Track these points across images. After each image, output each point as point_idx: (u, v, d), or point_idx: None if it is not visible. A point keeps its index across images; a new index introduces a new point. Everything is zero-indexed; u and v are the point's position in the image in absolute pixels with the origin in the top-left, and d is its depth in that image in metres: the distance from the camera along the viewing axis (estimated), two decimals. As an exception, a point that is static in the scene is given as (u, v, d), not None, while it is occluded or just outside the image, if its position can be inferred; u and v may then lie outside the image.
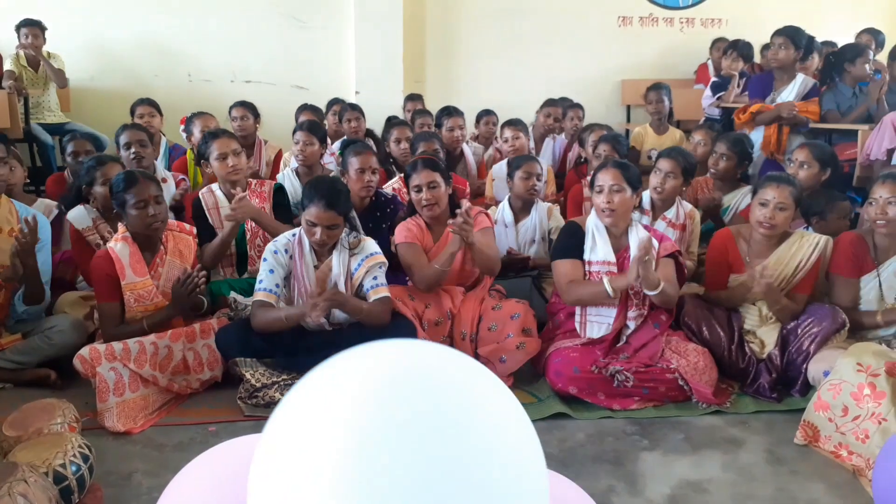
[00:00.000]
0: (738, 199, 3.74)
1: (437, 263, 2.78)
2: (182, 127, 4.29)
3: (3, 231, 2.77)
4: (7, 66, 5.26)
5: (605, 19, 6.92)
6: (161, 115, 4.71)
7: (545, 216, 3.48)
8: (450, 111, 4.59)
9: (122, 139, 3.66)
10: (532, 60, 6.69)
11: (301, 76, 6.33)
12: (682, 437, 2.44)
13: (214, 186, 3.29)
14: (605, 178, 2.73)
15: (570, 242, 2.82)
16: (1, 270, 2.71)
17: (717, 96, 5.14)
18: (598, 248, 2.78)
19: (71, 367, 2.61)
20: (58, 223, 3.34)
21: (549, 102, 5.35)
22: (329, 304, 2.49)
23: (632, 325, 2.76)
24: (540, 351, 2.75)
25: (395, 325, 2.65)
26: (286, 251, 2.69)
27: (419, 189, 2.88)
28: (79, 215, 3.14)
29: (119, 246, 2.67)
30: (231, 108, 4.61)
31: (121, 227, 2.73)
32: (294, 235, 2.73)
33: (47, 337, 2.73)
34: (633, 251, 2.66)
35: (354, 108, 4.85)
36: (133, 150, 3.59)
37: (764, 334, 2.79)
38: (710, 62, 6.46)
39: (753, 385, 2.71)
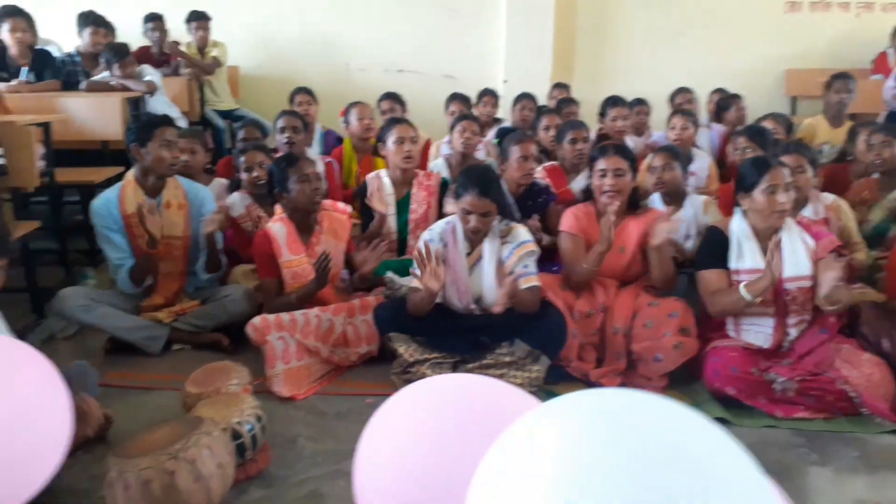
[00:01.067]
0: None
1: (585, 263, 2.73)
2: (342, 119, 4.50)
3: (171, 206, 3.00)
4: (182, 54, 5.74)
5: (770, 4, 6.47)
6: (317, 102, 4.95)
7: (700, 210, 3.31)
8: (615, 101, 4.47)
9: (279, 123, 3.89)
10: (688, 48, 6.41)
11: (451, 66, 6.44)
12: (856, 454, 2.24)
13: (382, 172, 3.44)
14: (778, 177, 2.54)
15: (714, 250, 2.65)
16: (172, 241, 2.96)
17: (902, 87, 4.67)
18: (745, 256, 2.59)
19: (240, 333, 2.83)
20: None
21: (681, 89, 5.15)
22: (507, 298, 2.55)
23: (794, 332, 2.58)
24: (698, 353, 2.63)
25: (544, 315, 2.65)
26: (441, 239, 2.75)
27: (604, 174, 2.80)
28: (234, 202, 3.37)
29: (276, 227, 2.86)
30: (380, 99, 4.78)
31: (278, 208, 2.92)
32: (448, 223, 2.79)
33: (222, 305, 2.97)
34: (786, 253, 2.49)
35: (530, 97, 4.87)
36: (287, 134, 3.81)
37: (957, 350, 2.51)
38: (891, 51, 5.88)
39: (942, 406, 2.45)
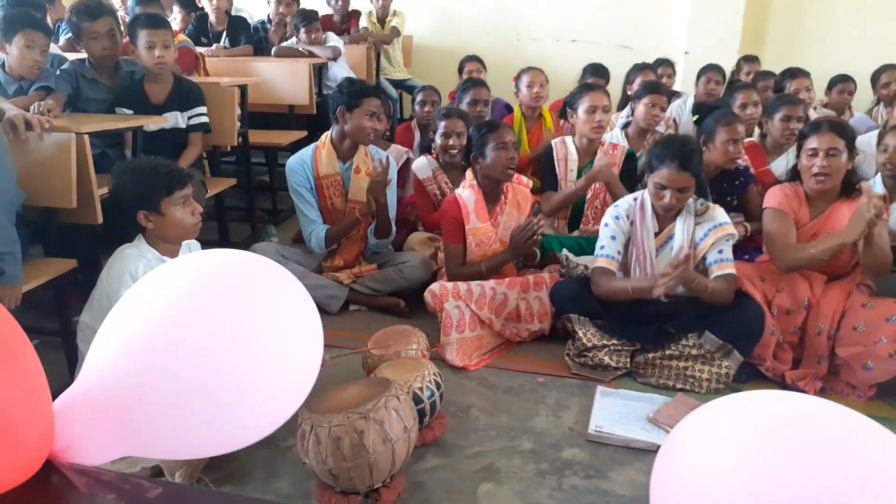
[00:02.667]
0: None
1: (813, 249, 2.44)
2: (514, 85, 4.42)
3: (360, 171, 3.07)
4: (363, 22, 5.90)
5: None
6: (486, 70, 4.89)
7: (929, 200, 2.90)
8: (793, 72, 4.07)
9: (419, 97, 3.97)
10: (904, 19, 5.66)
11: (626, 35, 6.13)
12: None
13: (568, 139, 3.34)
14: None
15: None
16: (359, 206, 3.03)
17: None
18: None
19: (414, 299, 2.86)
20: (405, 169, 3.67)
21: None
22: (678, 282, 2.34)
23: None
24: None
25: (739, 307, 2.44)
26: (627, 216, 2.60)
27: (814, 153, 2.51)
28: (421, 166, 3.40)
29: (466, 192, 2.83)
30: (463, 61, 4.79)
31: (469, 174, 2.89)
32: (636, 200, 2.63)
33: (400, 270, 3.02)
34: None
35: (717, 68, 4.57)
36: (426, 108, 3.83)
37: None
38: None
39: None
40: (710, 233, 2.49)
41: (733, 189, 3.06)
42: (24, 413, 0.63)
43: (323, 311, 2.99)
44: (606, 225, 2.62)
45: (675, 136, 2.98)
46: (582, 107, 3.20)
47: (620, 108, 4.66)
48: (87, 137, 2.34)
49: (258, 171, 4.68)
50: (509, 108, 4.72)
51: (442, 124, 3.31)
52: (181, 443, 0.72)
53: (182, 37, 4.24)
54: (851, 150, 2.56)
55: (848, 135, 2.55)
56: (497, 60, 5.46)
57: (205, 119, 3.22)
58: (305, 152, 3.05)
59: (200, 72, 4.16)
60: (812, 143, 2.54)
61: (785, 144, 3.25)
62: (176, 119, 3.16)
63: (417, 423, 1.98)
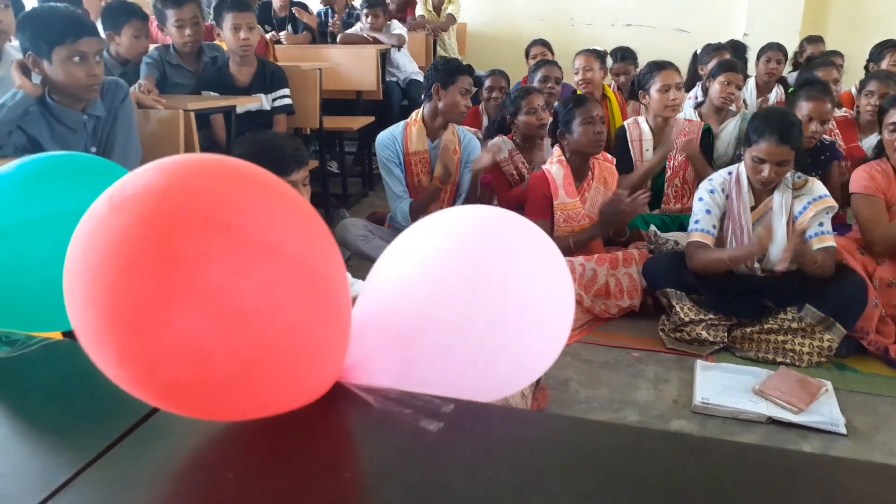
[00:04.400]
0: None
1: (883, 224, 2.43)
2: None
3: (447, 150, 3.09)
4: (419, 10, 5.93)
5: None
6: (552, 54, 4.88)
7: None
8: (894, 45, 3.96)
9: (486, 83, 3.96)
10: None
11: (683, 18, 6.07)
12: None
13: (640, 119, 3.33)
14: None
15: None
16: (437, 176, 3.07)
17: None
18: None
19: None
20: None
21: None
22: (796, 256, 2.31)
23: None
24: None
25: (841, 280, 2.41)
26: (722, 190, 2.58)
27: (894, 129, 2.52)
28: (498, 145, 3.39)
29: (555, 168, 2.84)
30: (530, 46, 4.77)
31: (556, 150, 2.89)
32: (730, 173, 2.60)
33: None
34: None
35: (778, 47, 4.47)
36: (494, 94, 3.84)
37: None
38: None
39: None
40: (810, 206, 2.46)
41: (818, 164, 3.02)
42: (325, 326, 0.65)
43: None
44: (701, 199, 2.60)
45: (775, 108, 2.96)
46: (655, 86, 3.17)
47: (688, 89, 4.60)
48: (192, 114, 2.39)
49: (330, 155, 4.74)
50: (573, 93, 4.70)
51: (522, 103, 3.30)
52: (455, 384, 0.74)
53: (255, 24, 4.31)
54: None
55: None
56: (553, 46, 5.43)
57: (289, 101, 3.27)
58: (396, 128, 3.08)
59: (269, 57, 4.22)
60: (893, 117, 2.50)
61: (874, 121, 3.19)
62: (262, 101, 3.21)
63: (531, 390, 2.01)
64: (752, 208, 2.54)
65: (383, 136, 3.05)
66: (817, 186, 2.50)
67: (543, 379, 2.22)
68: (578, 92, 4.24)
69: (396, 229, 3.14)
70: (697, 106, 3.75)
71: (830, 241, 2.43)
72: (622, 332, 2.70)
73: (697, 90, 4.28)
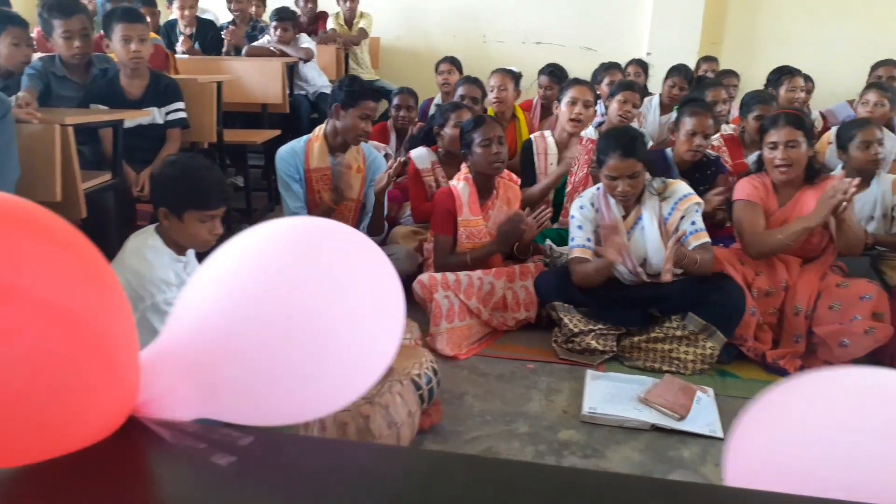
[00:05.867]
0: None
1: (780, 234, 2.55)
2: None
3: (351, 168, 3.07)
4: (330, 24, 5.89)
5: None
6: (460, 73, 4.93)
7: (889, 190, 3.04)
8: (790, 71, 4.19)
9: (395, 101, 3.97)
10: (854, 20, 5.90)
11: (590, 37, 6.26)
12: None
13: (547, 133, 3.41)
14: None
15: None
16: (346, 203, 3.04)
17: None
18: None
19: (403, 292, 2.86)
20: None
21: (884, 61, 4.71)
22: (676, 261, 2.40)
23: None
24: (891, 341, 2.43)
25: (721, 289, 2.52)
26: (592, 204, 2.67)
27: (775, 146, 2.62)
28: (421, 155, 3.41)
29: (461, 185, 2.86)
30: (439, 62, 4.80)
31: (464, 167, 2.92)
32: (599, 189, 2.70)
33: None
34: None
35: (682, 73, 4.64)
36: (402, 112, 3.85)
37: None
38: None
39: None
40: (677, 205, 2.58)
41: (705, 178, 3.15)
42: (91, 367, 0.62)
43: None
44: (573, 217, 2.68)
45: (616, 127, 3.06)
46: (565, 99, 3.27)
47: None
48: (70, 129, 2.29)
49: (228, 172, 4.63)
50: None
51: (452, 115, 3.31)
52: (263, 408, 0.73)
53: (153, 34, 4.18)
54: (810, 139, 2.67)
55: (805, 126, 2.66)
56: (464, 62, 5.50)
57: (183, 115, 3.18)
58: (298, 143, 3.03)
59: (171, 71, 4.10)
60: (772, 136, 2.65)
61: (757, 138, 3.37)
62: (154, 115, 3.11)
63: (419, 407, 2.00)
64: (624, 218, 2.63)
65: (284, 151, 3.01)
66: (680, 187, 2.63)
67: (437, 394, 2.22)
68: (490, 111, 4.32)
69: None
70: (599, 125, 3.87)
71: (705, 237, 2.54)
72: (519, 345, 2.74)
73: (600, 108, 4.41)
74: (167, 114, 3.15)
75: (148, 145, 3.05)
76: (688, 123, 3.07)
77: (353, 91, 2.89)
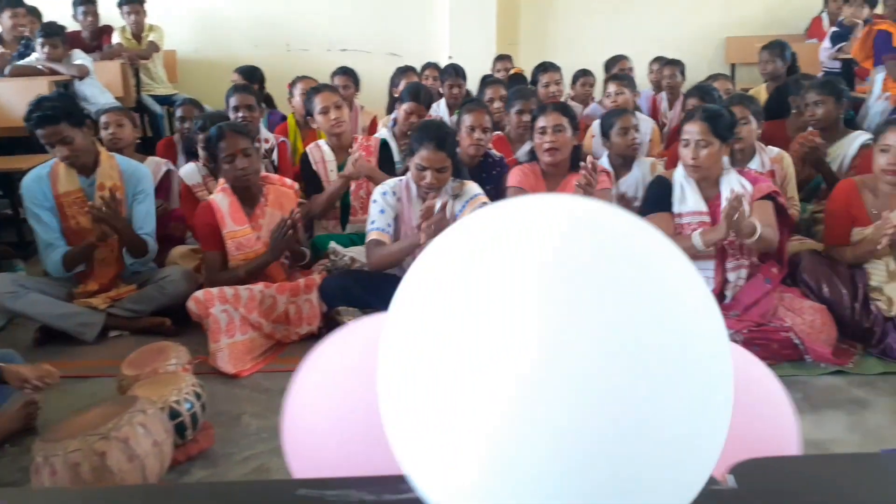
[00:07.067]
0: (845, 147, 3.39)
1: None
2: (289, 91, 4.41)
3: (104, 188, 2.86)
4: (115, 38, 5.54)
5: (710, -28, 6.55)
6: (256, 81, 4.81)
7: (648, 172, 3.32)
8: (546, 67, 4.47)
9: (232, 101, 3.74)
10: (630, 18, 6.43)
11: (395, 43, 6.34)
12: (800, 396, 2.28)
13: (321, 142, 3.38)
14: (692, 131, 2.57)
15: (659, 195, 2.70)
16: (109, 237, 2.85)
17: (837, 47, 4.76)
18: (687, 199, 2.64)
19: (182, 315, 2.73)
20: (167, 181, 3.49)
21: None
22: (438, 228, 2.42)
23: (732, 276, 2.62)
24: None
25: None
26: (394, 193, 2.73)
27: (544, 131, 2.82)
28: (189, 172, 3.28)
29: (219, 197, 2.78)
30: (333, 75, 4.66)
31: (221, 179, 2.83)
32: (401, 180, 2.77)
33: (161, 286, 2.86)
34: (724, 199, 2.53)
35: (459, 72, 4.79)
36: (241, 113, 3.67)
37: (892, 291, 2.57)
38: (824, 15, 6.00)
39: (880, 345, 2.51)
40: (467, 205, 2.70)
41: (491, 178, 3.27)
42: None
43: (78, 340, 2.78)
44: (375, 201, 2.72)
45: (433, 121, 3.17)
46: (315, 110, 3.27)
47: (389, 111, 4.80)
48: None
49: (3, 203, 4.22)
50: (284, 118, 4.68)
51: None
52: None
53: None
54: (575, 127, 2.87)
55: (570, 113, 2.88)
56: (269, 72, 5.37)
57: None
58: (42, 168, 2.81)
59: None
60: (541, 122, 2.85)
61: (524, 134, 3.54)
62: None
63: (172, 435, 1.90)
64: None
65: (28, 179, 2.78)
66: (471, 187, 2.75)
67: (210, 417, 2.13)
68: (290, 116, 4.24)
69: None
70: (393, 126, 3.92)
71: None
72: (304, 356, 2.68)
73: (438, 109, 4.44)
74: None
75: None
76: (466, 120, 3.19)
77: (78, 110, 2.81)
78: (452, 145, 2.66)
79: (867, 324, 2.55)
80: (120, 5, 5.49)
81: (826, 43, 4.92)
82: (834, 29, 4.97)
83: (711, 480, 0.68)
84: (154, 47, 5.52)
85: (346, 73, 4.58)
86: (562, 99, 4.71)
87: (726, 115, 2.62)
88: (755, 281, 2.60)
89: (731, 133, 2.62)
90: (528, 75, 4.90)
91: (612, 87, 4.18)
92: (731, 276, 2.62)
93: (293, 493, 0.62)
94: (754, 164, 3.08)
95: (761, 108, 3.26)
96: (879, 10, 5.46)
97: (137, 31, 5.52)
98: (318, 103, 3.24)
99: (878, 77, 4.17)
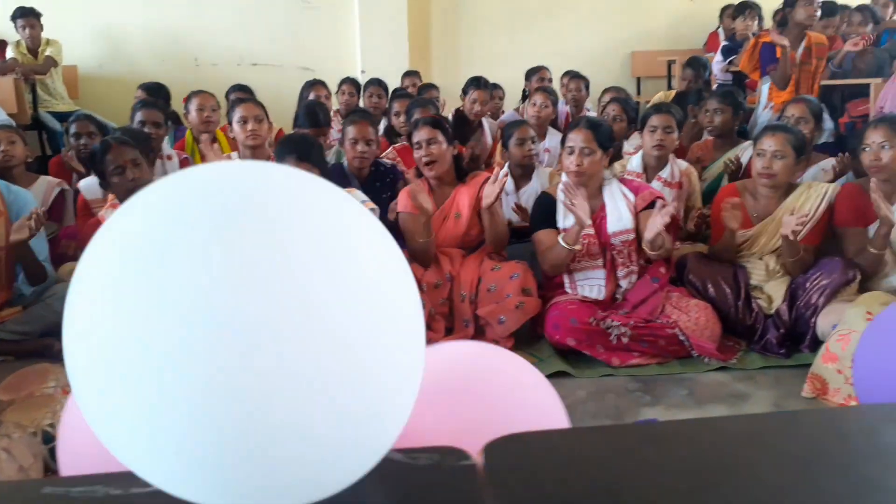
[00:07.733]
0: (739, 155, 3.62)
1: (418, 236, 2.74)
2: (184, 106, 4.30)
3: None
4: (10, 53, 5.30)
5: (613, -10, 6.81)
6: (165, 96, 4.70)
7: (546, 182, 3.41)
8: (477, 83, 4.50)
9: (138, 117, 3.63)
10: (538, 33, 6.61)
11: (307, 58, 6.30)
12: (685, 392, 2.37)
13: (234, 154, 3.34)
14: (576, 139, 2.66)
15: (544, 212, 2.79)
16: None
17: (728, 60, 5.03)
18: (570, 214, 2.69)
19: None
20: (61, 201, 3.36)
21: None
22: None
23: (624, 283, 2.72)
24: (540, 311, 2.70)
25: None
26: None
27: (419, 146, 2.84)
28: (90, 186, 3.15)
29: (108, 213, 2.68)
30: (228, 92, 4.61)
31: (111, 196, 2.74)
32: None
33: (47, 305, 2.73)
34: (609, 209, 2.66)
35: (381, 84, 4.87)
36: (147, 129, 3.56)
37: (771, 289, 2.71)
38: (720, 30, 6.32)
39: (761, 341, 2.64)
40: None
41: (385, 186, 3.29)
42: None
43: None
44: None
45: (294, 134, 3.20)
46: (234, 120, 3.23)
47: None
48: None
49: None
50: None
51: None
52: None
53: None
54: (449, 139, 2.90)
55: (442, 126, 2.90)
56: (176, 88, 5.24)
57: None
58: None
59: None
60: (415, 137, 2.88)
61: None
62: None
63: (42, 459, 1.81)
64: None
65: None
66: (357, 195, 2.75)
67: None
68: (188, 132, 4.15)
69: None
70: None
71: None
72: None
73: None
74: None
75: None
76: (350, 132, 3.21)
77: None
78: (319, 156, 2.65)
79: (749, 321, 2.67)
80: (13, 19, 5.27)
81: (718, 56, 5.18)
82: (725, 43, 5.24)
83: (465, 457, 0.70)
84: (52, 62, 5.31)
85: (242, 88, 4.60)
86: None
87: (607, 126, 2.74)
88: (643, 280, 2.71)
89: (611, 143, 2.73)
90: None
91: (539, 98, 4.23)
92: (623, 282, 2.72)
93: (39, 492, 0.61)
94: (665, 174, 3.22)
95: (685, 118, 3.42)
96: (768, 24, 5.84)
97: (34, 46, 5.31)
98: (238, 112, 3.20)
99: (764, 88, 4.42)
